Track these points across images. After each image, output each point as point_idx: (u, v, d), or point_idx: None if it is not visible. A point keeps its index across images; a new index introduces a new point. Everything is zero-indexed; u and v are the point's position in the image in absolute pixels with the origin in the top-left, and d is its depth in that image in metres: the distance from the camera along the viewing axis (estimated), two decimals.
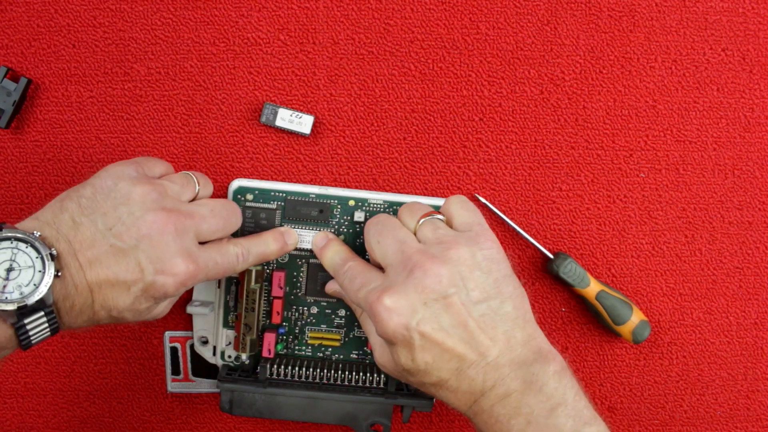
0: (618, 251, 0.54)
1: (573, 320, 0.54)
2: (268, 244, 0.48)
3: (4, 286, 0.38)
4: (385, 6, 0.53)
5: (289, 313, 0.52)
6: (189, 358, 0.53)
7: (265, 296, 0.51)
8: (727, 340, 0.55)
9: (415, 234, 0.44)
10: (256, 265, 0.48)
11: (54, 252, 0.39)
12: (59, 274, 0.39)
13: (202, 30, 0.53)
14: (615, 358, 0.54)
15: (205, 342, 0.52)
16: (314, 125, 0.53)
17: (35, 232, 0.39)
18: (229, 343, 0.51)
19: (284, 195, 0.51)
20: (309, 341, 0.52)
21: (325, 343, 0.52)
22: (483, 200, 0.53)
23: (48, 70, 0.53)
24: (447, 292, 0.40)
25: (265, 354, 0.50)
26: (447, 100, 0.53)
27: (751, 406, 0.55)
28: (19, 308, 0.38)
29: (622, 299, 0.52)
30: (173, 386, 0.53)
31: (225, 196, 0.52)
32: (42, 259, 0.38)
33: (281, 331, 0.51)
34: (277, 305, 0.50)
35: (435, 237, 0.43)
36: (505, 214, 0.53)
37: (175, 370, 0.53)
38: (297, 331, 0.52)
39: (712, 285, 0.54)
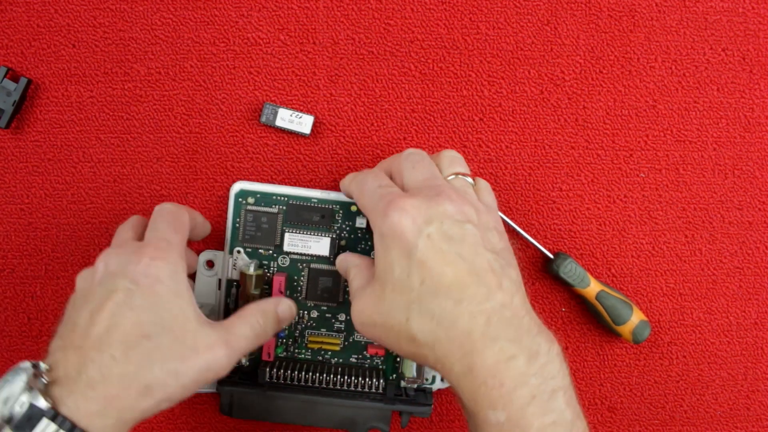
0: (618, 251, 0.54)
1: (573, 320, 0.54)
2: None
3: None
4: (385, 6, 0.53)
5: None
6: None
7: None
8: (727, 340, 0.55)
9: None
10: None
11: (41, 365, 0.36)
12: (45, 379, 0.36)
13: (202, 30, 0.53)
14: (615, 358, 0.54)
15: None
16: (314, 125, 0.53)
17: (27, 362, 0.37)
18: None
19: (286, 199, 0.51)
20: (309, 345, 0.52)
21: (324, 347, 0.52)
22: None
23: (48, 70, 0.53)
24: (465, 225, 0.38)
25: (264, 357, 0.50)
26: (447, 100, 0.53)
27: (751, 406, 0.55)
28: (7, 422, 0.35)
29: (622, 299, 0.52)
30: None
31: (226, 198, 0.52)
32: (26, 372, 0.36)
33: (281, 334, 0.51)
34: None
35: (464, 191, 0.42)
36: (505, 214, 0.53)
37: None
38: (297, 334, 0.52)
39: (712, 285, 0.54)
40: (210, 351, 0.40)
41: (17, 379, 0.35)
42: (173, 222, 0.44)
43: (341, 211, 0.51)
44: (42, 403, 0.35)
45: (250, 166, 0.53)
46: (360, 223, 0.50)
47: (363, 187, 0.43)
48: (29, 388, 0.35)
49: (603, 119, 0.54)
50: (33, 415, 0.35)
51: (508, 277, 0.39)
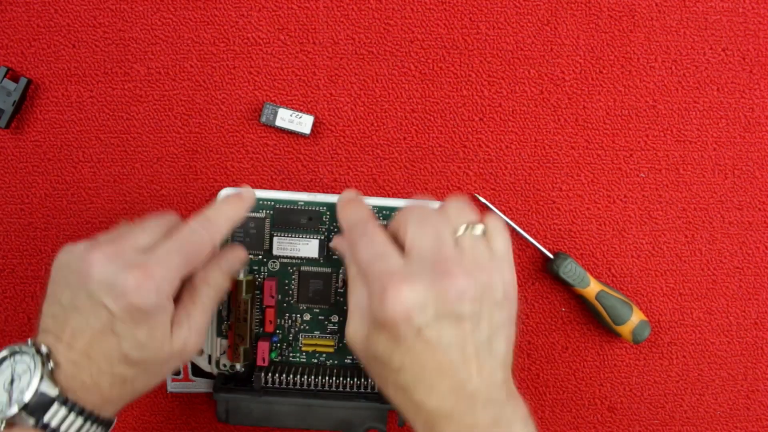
0: (618, 251, 0.54)
1: (573, 320, 0.54)
2: (225, 205, 0.46)
3: (10, 397, 0.39)
4: (385, 6, 0.53)
5: (282, 321, 0.51)
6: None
7: (257, 305, 0.51)
8: (727, 340, 0.55)
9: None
10: (227, 228, 0.45)
11: (43, 347, 0.39)
12: (52, 364, 0.39)
13: (202, 30, 0.53)
14: (615, 358, 0.54)
15: (200, 351, 0.51)
16: (314, 125, 0.53)
17: (28, 341, 0.40)
18: (224, 352, 0.51)
19: (273, 203, 0.51)
20: (303, 348, 0.52)
21: (319, 349, 0.52)
22: (483, 200, 0.53)
23: (48, 70, 0.53)
24: (463, 312, 0.38)
25: (259, 363, 0.50)
26: (447, 100, 0.53)
27: (751, 406, 0.55)
28: (23, 408, 0.38)
29: (622, 299, 0.52)
30: (173, 386, 0.53)
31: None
32: (33, 359, 0.39)
33: (275, 339, 0.51)
34: (270, 314, 0.50)
35: (473, 254, 0.41)
36: (505, 214, 0.53)
37: (175, 370, 0.53)
38: (291, 338, 0.52)
39: (712, 285, 0.54)
40: (177, 358, 0.43)
41: (25, 361, 0.39)
42: (188, 246, 0.43)
43: (328, 213, 0.51)
44: (51, 390, 0.38)
45: (250, 166, 0.53)
46: None
47: (357, 255, 0.41)
48: (39, 374, 0.39)
49: (603, 119, 0.54)
50: (45, 402, 0.38)
51: (495, 356, 0.39)
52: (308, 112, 0.53)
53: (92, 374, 0.40)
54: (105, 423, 0.41)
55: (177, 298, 0.43)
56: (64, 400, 0.39)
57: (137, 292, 0.39)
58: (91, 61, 0.53)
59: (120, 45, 0.53)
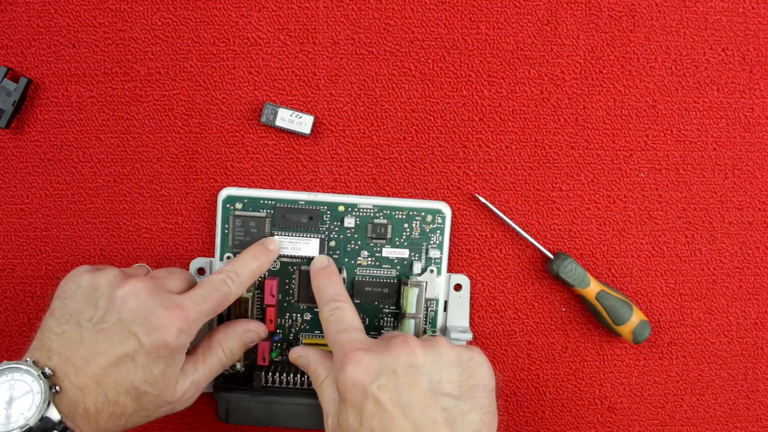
0: (618, 251, 0.54)
1: (573, 320, 0.54)
2: (252, 259, 0.47)
3: (8, 417, 0.39)
4: (385, 6, 0.53)
5: (283, 320, 0.52)
6: None
7: (258, 304, 0.51)
8: (727, 340, 0.55)
9: None
10: (252, 281, 0.47)
11: (47, 370, 0.39)
12: (57, 389, 0.39)
13: (202, 30, 0.53)
14: (615, 357, 0.54)
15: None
16: (314, 125, 0.53)
17: (27, 359, 0.40)
18: None
19: (273, 203, 0.51)
20: None
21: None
22: (483, 200, 0.53)
23: (48, 70, 0.53)
24: (419, 369, 0.39)
25: (260, 362, 0.50)
26: (447, 100, 0.53)
27: (751, 406, 0.55)
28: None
29: (622, 299, 0.52)
30: None
31: (214, 203, 0.52)
32: (37, 380, 0.39)
33: (275, 338, 0.51)
34: (270, 313, 0.50)
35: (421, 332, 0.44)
36: (505, 214, 0.53)
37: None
38: (291, 338, 0.52)
39: (712, 285, 0.54)
40: (171, 406, 0.44)
41: (26, 381, 0.39)
42: (218, 296, 0.45)
43: (329, 212, 0.51)
44: (55, 416, 0.39)
45: (250, 166, 0.53)
46: (348, 222, 0.50)
47: (327, 322, 0.45)
48: (45, 398, 0.39)
49: (603, 119, 0.54)
50: (46, 427, 0.38)
51: (468, 424, 0.39)
52: (308, 112, 0.53)
53: (97, 402, 0.40)
54: None
55: (190, 350, 0.45)
56: (63, 428, 0.39)
57: (171, 330, 0.41)
58: (91, 61, 0.53)
59: (120, 45, 0.53)
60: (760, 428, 0.55)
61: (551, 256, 0.53)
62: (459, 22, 0.53)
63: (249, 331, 0.48)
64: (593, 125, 0.54)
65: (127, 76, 0.53)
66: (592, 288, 0.52)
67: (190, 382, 0.44)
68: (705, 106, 0.54)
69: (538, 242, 0.53)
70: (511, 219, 0.53)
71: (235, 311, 0.49)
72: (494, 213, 0.53)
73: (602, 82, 0.53)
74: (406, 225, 0.51)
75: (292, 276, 0.51)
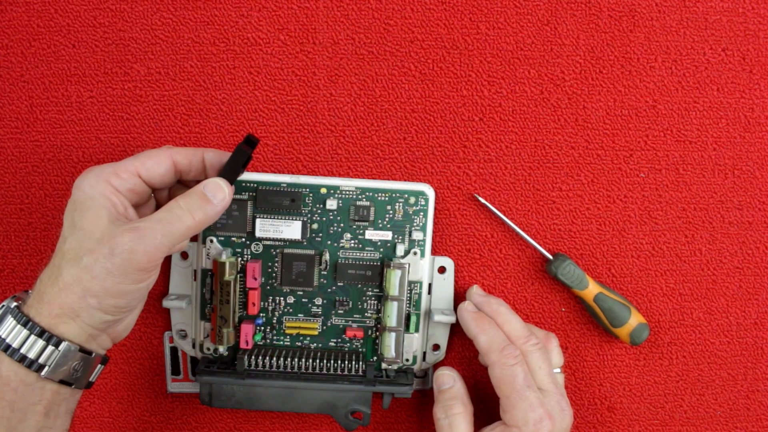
0: (618, 251, 0.54)
1: (573, 320, 0.54)
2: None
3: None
4: (385, 6, 0.53)
5: (266, 304, 0.51)
6: (189, 358, 0.53)
7: (241, 287, 0.51)
8: (727, 340, 0.55)
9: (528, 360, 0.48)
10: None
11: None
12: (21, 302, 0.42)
13: (202, 30, 0.53)
14: (614, 358, 0.54)
15: (184, 335, 0.52)
16: (314, 125, 0.53)
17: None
18: (207, 335, 0.51)
19: (255, 185, 0.51)
20: (287, 331, 0.52)
21: (302, 332, 0.52)
22: (483, 200, 0.53)
23: (48, 70, 0.53)
24: None
25: (242, 345, 0.50)
26: (447, 100, 0.53)
27: (751, 406, 0.55)
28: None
29: (621, 301, 0.52)
30: (173, 386, 0.53)
31: None
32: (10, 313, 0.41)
33: (258, 321, 0.51)
34: (253, 296, 0.50)
35: (549, 398, 0.47)
36: (505, 214, 0.53)
37: (175, 370, 0.53)
38: (274, 321, 0.52)
39: (712, 285, 0.54)
40: (112, 239, 0.41)
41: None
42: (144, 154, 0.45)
43: (311, 194, 0.51)
44: (12, 303, 0.41)
45: (249, 166, 0.53)
46: (330, 204, 0.50)
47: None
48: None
49: (603, 119, 0.54)
50: (2, 314, 0.41)
51: None
52: (308, 112, 0.53)
53: (50, 275, 0.42)
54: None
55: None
56: (17, 313, 0.41)
57: (83, 176, 0.44)
58: (91, 61, 0.53)
59: (120, 45, 0.53)
60: (760, 428, 0.55)
61: (550, 257, 0.52)
62: (459, 22, 0.53)
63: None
64: (593, 125, 0.54)
65: (127, 76, 0.53)
66: (591, 290, 0.52)
67: (125, 227, 0.42)
68: (705, 106, 0.54)
69: (538, 242, 0.53)
70: (511, 219, 0.53)
71: (218, 294, 0.49)
72: (494, 213, 0.53)
73: (602, 82, 0.53)
74: (389, 207, 0.51)
75: (275, 259, 0.51)
